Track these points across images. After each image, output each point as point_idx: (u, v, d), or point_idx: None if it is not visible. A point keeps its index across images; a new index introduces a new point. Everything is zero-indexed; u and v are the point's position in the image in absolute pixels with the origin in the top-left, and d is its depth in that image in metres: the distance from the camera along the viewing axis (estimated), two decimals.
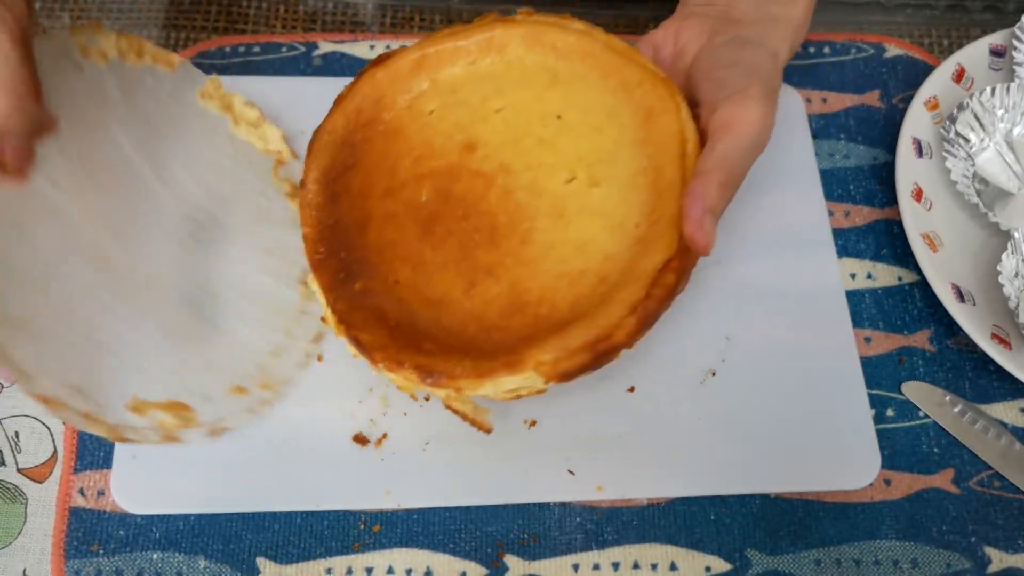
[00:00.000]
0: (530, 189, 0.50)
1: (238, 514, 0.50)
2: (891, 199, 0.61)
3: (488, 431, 0.48)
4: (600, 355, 0.44)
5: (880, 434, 0.54)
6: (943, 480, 0.53)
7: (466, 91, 0.54)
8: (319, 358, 0.52)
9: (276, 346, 0.53)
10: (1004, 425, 0.55)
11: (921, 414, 0.55)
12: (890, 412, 0.55)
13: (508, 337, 0.46)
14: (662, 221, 0.47)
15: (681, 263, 0.46)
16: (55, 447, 0.52)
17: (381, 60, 0.54)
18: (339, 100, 0.53)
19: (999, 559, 0.51)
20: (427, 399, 0.53)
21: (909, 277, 0.59)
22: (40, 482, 0.51)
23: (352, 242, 0.50)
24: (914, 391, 0.55)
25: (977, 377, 0.56)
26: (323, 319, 0.52)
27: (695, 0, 0.54)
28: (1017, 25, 0.62)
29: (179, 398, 0.49)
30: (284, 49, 0.64)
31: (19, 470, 0.52)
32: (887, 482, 0.53)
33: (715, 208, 0.45)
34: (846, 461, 0.52)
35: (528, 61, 0.54)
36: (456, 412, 0.48)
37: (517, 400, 0.47)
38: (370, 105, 0.53)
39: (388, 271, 0.49)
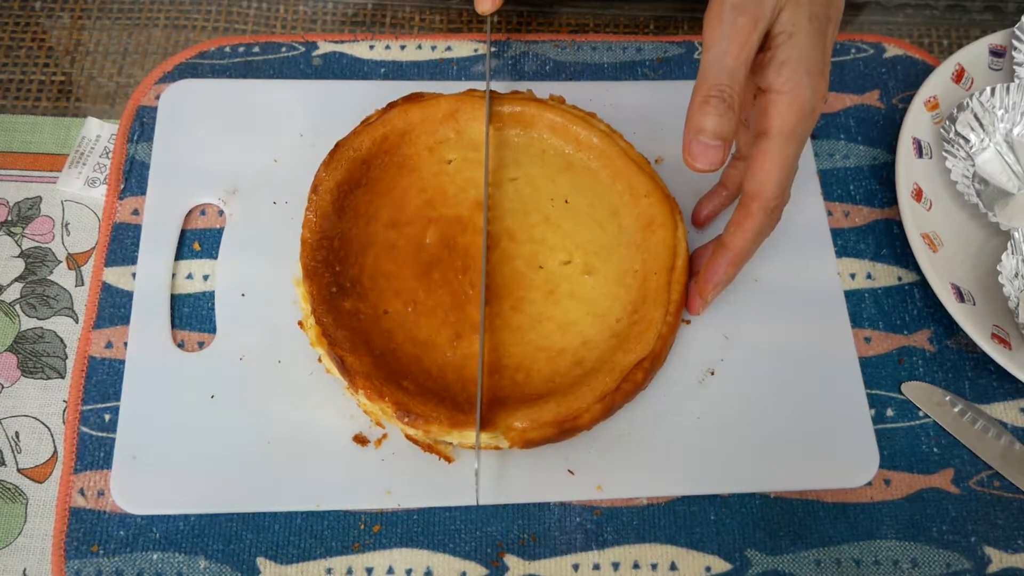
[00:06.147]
0: (529, 260, 0.54)
1: (238, 514, 0.50)
2: (891, 199, 0.61)
3: (450, 461, 0.51)
4: (564, 432, 0.48)
5: (880, 434, 0.54)
6: (943, 480, 0.53)
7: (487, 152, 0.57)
8: (319, 359, 0.52)
9: None
10: (1004, 425, 0.55)
11: (921, 414, 0.55)
12: (890, 412, 0.55)
13: (482, 394, 0.49)
14: (643, 323, 0.51)
15: (652, 364, 0.50)
16: (55, 447, 0.52)
17: (417, 98, 0.57)
18: (367, 122, 0.56)
19: (999, 559, 0.51)
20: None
21: (909, 277, 0.59)
22: (40, 482, 0.51)
23: (349, 260, 0.53)
24: (914, 391, 0.55)
25: (977, 377, 0.56)
26: (300, 324, 0.53)
27: None
28: (1017, 25, 0.62)
29: None
30: (284, 49, 0.64)
31: (19, 470, 0.52)
32: (887, 482, 0.53)
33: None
34: (844, 460, 0.53)
35: (549, 143, 0.58)
36: (416, 442, 0.51)
37: (470, 448, 0.50)
38: (396, 136, 0.56)
39: (379, 300, 0.52)
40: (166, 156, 0.58)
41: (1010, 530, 0.52)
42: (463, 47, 0.65)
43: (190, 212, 0.57)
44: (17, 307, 0.56)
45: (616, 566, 0.50)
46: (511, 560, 0.50)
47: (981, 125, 0.60)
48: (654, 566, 0.50)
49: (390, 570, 0.49)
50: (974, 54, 0.63)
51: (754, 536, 0.51)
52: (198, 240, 0.57)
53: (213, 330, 0.54)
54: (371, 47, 0.64)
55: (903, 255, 0.59)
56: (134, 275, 0.55)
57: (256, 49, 0.63)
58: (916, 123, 0.61)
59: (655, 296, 0.52)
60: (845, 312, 0.57)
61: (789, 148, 0.46)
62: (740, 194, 0.49)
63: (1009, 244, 0.55)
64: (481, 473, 0.50)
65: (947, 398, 0.55)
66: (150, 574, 0.48)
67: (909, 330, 0.57)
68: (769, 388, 0.54)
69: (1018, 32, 0.62)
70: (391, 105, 0.57)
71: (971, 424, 0.54)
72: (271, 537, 0.50)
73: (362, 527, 0.50)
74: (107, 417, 0.52)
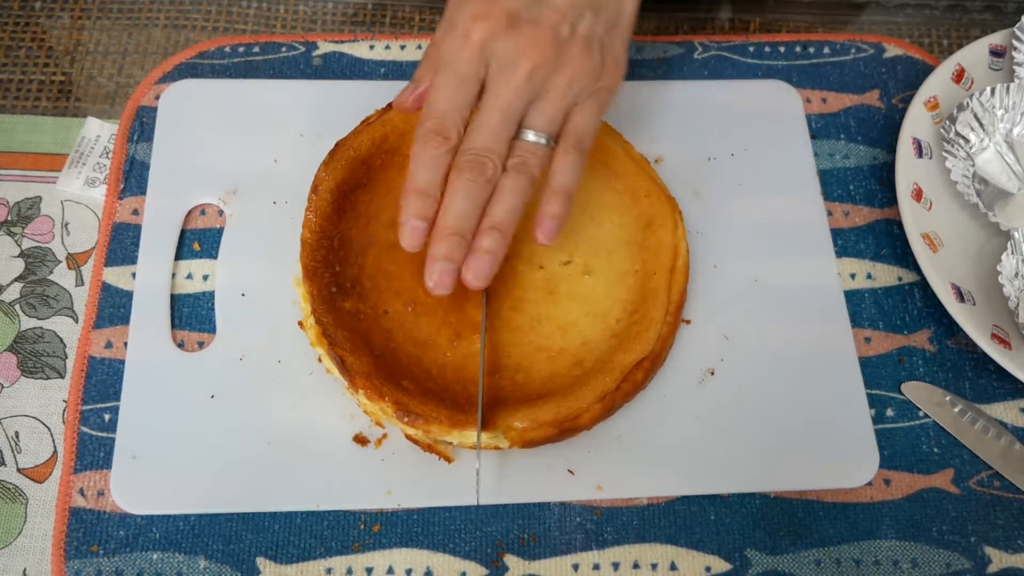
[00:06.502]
0: (529, 261, 0.54)
1: (238, 514, 0.50)
2: (891, 199, 0.61)
3: (450, 461, 0.51)
4: (564, 431, 0.48)
5: (880, 434, 0.54)
6: (943, 480, 0.53)
7: None
8: (319, 359, 0.52)
9: None
10: (1004, 425, 0.55)
11: (921, 414, 0.55)
12: (890, 412, 0.55)
13: (482, 394, 0.49)
14: (643, 323, 0.51)
15: (652, 364, 0.50)
16: (55, 447, 0.52)
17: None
18: (367, 122, 0.56)
19: (999, 559, 0.51)
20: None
21: (909, 277, 0.59)
22: (40, 482, 0.51)
23: (349, 260, 0.53)
24: (914, 391, 0.55)
25: (977, 377, 0.56)
26: (300, 324, 0.53)
27: None
28: (1017, 25, 0.62)
29: None
30: (284, 49, 0.64)
31: (19, 470, 0.52)
32: (887, 482, 0.53)
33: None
34: (844, 460, 0.53)
35: None
36: (416, 442, 0.50)
37: (470, 448, 0.50)
38: (396, 136, 0.56)
39: (379, 300, 0.52)
40: (166, 156, 0.58)
41: (1010, 530, 0.52)
42: None
43: (190, 212, 0.57)
44: (17, 307, 0.56)
45: (616, 566, 0.50)
46: (511, 560, 0.50)
47: (981, 125, 0.60)
48: (654, 566, 0.50)
49: (390, 570, 0.49)
50: (974, 54, 0.63)
51: (754, 536, 0.51)
52: (198, 240, 0.57)
53: (213, 330, 0.54)
54: (371, 47, 0.64)
55: (903, 255, 0.59)
56: (134, 275, 0.55)
57: (256, 49, 0.63)
58: (916, 123, 0.61)
59: (655, 296, 0.52)
60: (845, 312, 0.57)
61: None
62: None
63: (1009, 244, 0.55)
64: (481, 473, 0.50)
65: (947, 398, 0.55)
66: (150, 574, 0.48)
67: (909, 330, 0.57)
68: (769, 388, 0.54)
69: (1018, 32, 0.62)
70: (391, 105, 0.56)
71: (971, 424, 0.54)
72: (271, 537, 0.50)
73: (362, 527, 0.50)
74: (107, 417, 0.52)
